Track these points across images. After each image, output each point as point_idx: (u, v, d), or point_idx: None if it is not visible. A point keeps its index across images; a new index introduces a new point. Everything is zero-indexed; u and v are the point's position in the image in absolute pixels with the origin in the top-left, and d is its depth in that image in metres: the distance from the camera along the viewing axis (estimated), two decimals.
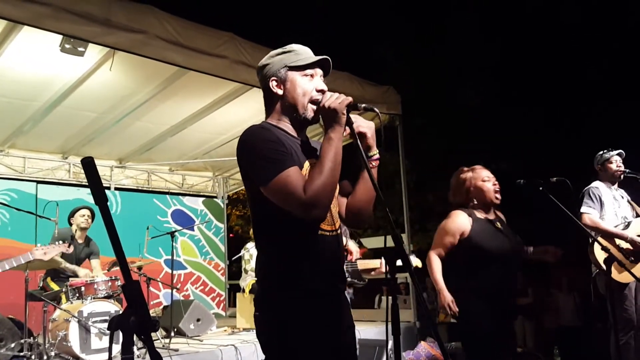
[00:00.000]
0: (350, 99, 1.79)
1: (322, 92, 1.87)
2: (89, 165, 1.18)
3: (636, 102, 10.81)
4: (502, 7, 12.60)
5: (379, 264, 4.06)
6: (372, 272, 4.12)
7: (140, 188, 8.91)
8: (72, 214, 5.65)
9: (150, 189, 8.98)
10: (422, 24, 13.47)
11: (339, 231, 1.93)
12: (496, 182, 3.16)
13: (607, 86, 11.53)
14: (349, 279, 3.92)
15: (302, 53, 1.93)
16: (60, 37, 4.47)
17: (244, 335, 5.82)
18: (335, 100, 1.78)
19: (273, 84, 1.90)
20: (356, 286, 4.10)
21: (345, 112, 1.78)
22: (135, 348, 4.48)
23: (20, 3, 3.99)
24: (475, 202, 3.16)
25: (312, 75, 1.89)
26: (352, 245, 4.15)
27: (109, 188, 8.34)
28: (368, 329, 6.08)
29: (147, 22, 4.67)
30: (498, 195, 3.15)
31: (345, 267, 3.92)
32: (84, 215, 5.59)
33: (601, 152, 4.50)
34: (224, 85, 5.89)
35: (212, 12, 10.63)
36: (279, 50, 1.96)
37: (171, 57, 4.86)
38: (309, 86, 1.88)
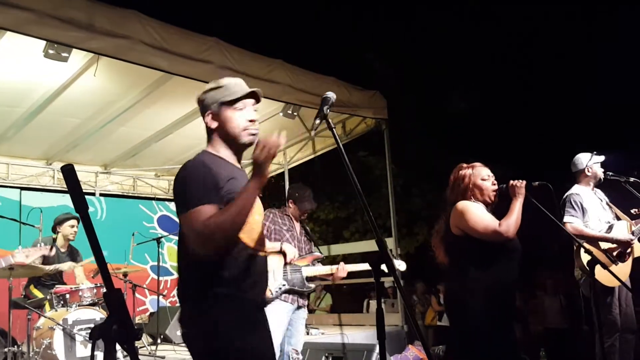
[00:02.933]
0: (274, 148, 1.89)
1: (253, 121, 2.10)
2: (69, 172, 1.17)
3: (617, 106, 10.98)
4: (491, 11, 12.71)
5: (331, 269, 4.08)
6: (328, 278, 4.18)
7: (125, 194, 8.85)
8: (59, 222, 5.44)
9: (136, 195, 8.92)
10: (409, 27, 13.53)
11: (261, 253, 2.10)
12: (495, 182, 3.14)
13: (592, 89, 11.65)
14: (285, 287, 3.96)
15: (232, 87, 2.12)
16: (43, 42, 4.43)
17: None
18: (261, 153, 1.90)
19: (208, 118, 2.11)
20: (301, 292, 4.05)
21: (268, 163, 1.92)
22: (121, 354, 4.45)
23: (2, 9, 3.96)
24: (473, 200, 3.10)
25: (242, 108, 2.10)
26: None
27: (94, 194, 8.27)
28: (356, 333, 6.09)
29: (131, 27, 4.66)
30: (496, 196, 3.12)
31: (285, 274, 3.93)
32: (73, 227, 5.41)
33: (583, 155, 4.51)
34: None
35: (197, 17, 10.61)
36: (212, 85, 2.16)
37: (156, 62, 4.85)
38: (240, 119, 2.09)
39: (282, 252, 3.96)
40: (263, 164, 1.91)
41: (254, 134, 2.11)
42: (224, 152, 2.12)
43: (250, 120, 2.10)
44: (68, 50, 4.52)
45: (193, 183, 1.94)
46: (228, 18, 13.33)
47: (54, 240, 5.37)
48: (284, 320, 4.00)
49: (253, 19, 13.80)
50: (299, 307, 4.09)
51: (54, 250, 5.30)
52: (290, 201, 4.36)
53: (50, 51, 4.50)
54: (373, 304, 10.85)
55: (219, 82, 2.15)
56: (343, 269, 4.05)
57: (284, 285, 3.99)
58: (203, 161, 2.03)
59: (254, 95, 2.14)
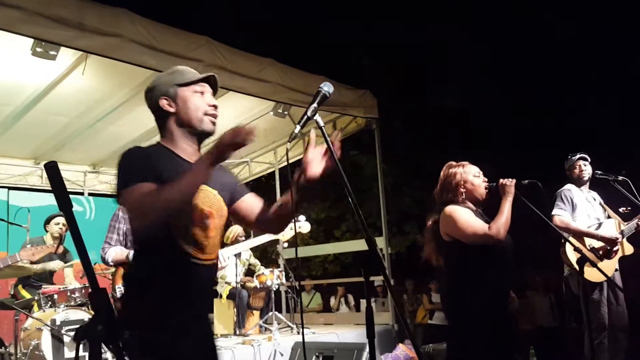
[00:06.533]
0: (246, 136, 1.68)
1: (214, 106, 1.92)
2: (52, 169, 1.16)
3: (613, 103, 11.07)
4: (484, 9, 12.76)
5: None
6: None
7: (114, 193, 8.77)
8: (47, 221, 5.44)
9: None
10: (399, 26, 13.56)
11: (210, 262, 1.91)
12: (486, 179, 3.13)
13: (586, 87, 11.72)
14: None
15: (188, 72, 1.97)
16: (31, 40, 4.39)
17: (222, 341, 5.76)
18: (229, 135, 1.68)
19: (164, 102, 1.92)
20: None
21: (229, 148, 1.69)
22: (109, 356, 4.41)
23: None
24: (464, 198, 3.10)
25: (202, 92, 1.93)
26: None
27: (82, 194, 8.21)
28: (347, 333, 6.08)
29: (120, 26, 4.62)
30: (486, 193, 3.11)
31: None
32: (58, 224, 5.40)
33: (571, 155, 4.58)
34: None
35: (188, 15, 10.57)
36: (164, 72, 2.01)
37: (145, 61, 4.81)
38: (200, 101, 1.91)
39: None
40: (223, 147, 1.68)
41: (214, 122, 1.92)
42: (181, 144, 1.92)
43: (212, 105, 1.93)
44: (56, 48, 4.48)
45: (127, 166, 1.81)
46: (218, 17, 13.29)
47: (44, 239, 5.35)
48: None
49: (243, 18, 13.77)
50: None
51: (61, 248, 5.26)
52: None
53: (38, 49, 4.46)
54: (364, 302, 10.83)
55: (172, 69, 2.00)
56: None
57: None
58: (144, 150, 1.89)
59: (211, 81, 1.97)
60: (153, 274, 1.81)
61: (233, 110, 6.62)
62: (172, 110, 1.91)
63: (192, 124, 1.90)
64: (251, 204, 2.07)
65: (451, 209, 3.04)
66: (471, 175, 3.12)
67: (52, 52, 4.51)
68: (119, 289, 3.45)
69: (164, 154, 1.88)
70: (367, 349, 4.46)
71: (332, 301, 11.02)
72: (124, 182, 1.78)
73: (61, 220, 5.42)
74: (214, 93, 1.99)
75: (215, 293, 6.61)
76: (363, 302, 10.56)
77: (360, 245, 8.16)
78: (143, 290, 1.83)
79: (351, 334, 6.06)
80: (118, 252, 3.50)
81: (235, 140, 1.66)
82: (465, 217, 2.98)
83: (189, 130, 1.92)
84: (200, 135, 1.93)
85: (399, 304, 8.30)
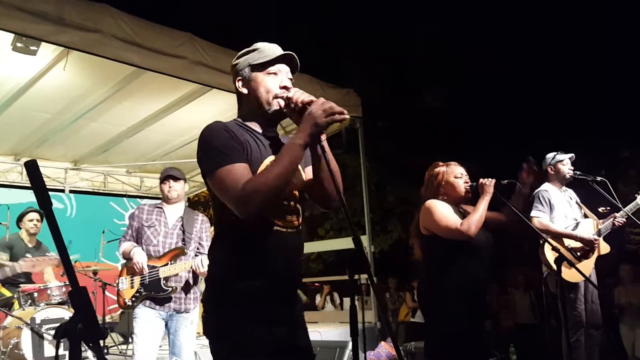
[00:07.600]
0: (336, 111, 1.67)
1: (286, 88, 1.86)
2: (32, 167, 1.15)
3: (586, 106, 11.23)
4: (466, 11, 12.84)
5: (191, 266, 3.63)
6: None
7: (96, 190, 8.71)
8: (20, 218, 5.41)
9: (107, 192, 8.78)
10: (384, 26, 13.59)
11: (299, 229, 1.89)
12: (468, 180, 3.18)
13: (567, 88, 11.86)
14: (142, 294, 3.61)
15: (266, 51, 1.91)
16: (11, 35, 4.34)
17: (204, 339, 5.73)
18: (319, 109, 1.66)
19: (239, 84, 1.92)
20: (162, 297, 3.61)
21: (321, 124, 1.66)
22: (90, 354, 4.38)
23: None
24: (446, 198, 3.16)
25: (275, 73, 1.89)
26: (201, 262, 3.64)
27: (63, 190, 8.11)
28: (329, 331, 6.10)
29: (102, 21, 4.58)
30: (468, 192, 3.16)
31: (144, 278, 3.58)
32: (32, 220, 5.34)
33: (553, 154, 4.59)
34: (183, 86, 5.82)
35: (171, 12, 10.49)
36: (246, 49, 1.96)
37: (127, 57, 4.78)
38: (272, 83, 1.87)
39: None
40: (316, 127, 1.66)
41: (286, 102, 1.84)
42: (252, 123, 1.90)
43: (283, 87, 1.86)
44: (37, 43, 4.43)
45: (215, 141, 1.76)
46: (202, 13, 13.22)
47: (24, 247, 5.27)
48: (153, 327, 3.61)
49: (227, 15, 13.70)
50: (176, 312, 3.68)
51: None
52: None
53: (19, 44, 4.41)
54: (347, 300, 10.82)
55: (253, 46, 1.95)
56: (202, 264, 3.59)
57: (140, 292, 3.63)
58: (224, 122, 1.84)
59: (289, 61, 1.93)
60: (237, 244, 1.79)
61: (216, 107, 6.60)
62: (244, 92, 1.91)
63: (262, 107, 1.88)
64: (310, 173, 1.97)
65: (430, 203, 3.11)
66: (452, 176, 3.20)
67: (32, 48, 4.46)
68: (122, 281, 3.69)
69: (244, 130, 1.86)
70: (350, 347, 4.48)
71: (318, 299, 11.02)
72: (214, 162, 1.73)
73: (35, 216, 5.36)
74: (294, 71, 1.96)
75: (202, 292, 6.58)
76: (347, 301, 10.56)
77: (343, 243, 8.19)
78: (226, 261, 1.82)
79: (334, 332, 6.08)
80: (127, 246, 3.72)
81: (324, 120, 1.65)
82: (442, 211, 3.04)
83: (260, 112, 1.89)
84: (270, 116, 1.89)
85: (381, 302, 8.31)
